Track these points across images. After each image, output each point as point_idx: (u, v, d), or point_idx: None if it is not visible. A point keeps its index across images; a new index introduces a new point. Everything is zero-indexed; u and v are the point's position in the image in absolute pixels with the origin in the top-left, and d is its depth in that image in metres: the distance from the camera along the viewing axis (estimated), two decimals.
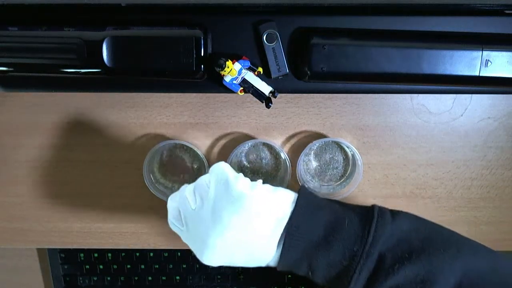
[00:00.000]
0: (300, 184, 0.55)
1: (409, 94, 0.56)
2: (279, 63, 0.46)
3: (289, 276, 0.64)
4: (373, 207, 0.40)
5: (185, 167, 0.58)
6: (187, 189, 0.42)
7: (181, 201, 0.42)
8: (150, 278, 0.65)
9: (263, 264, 0.41)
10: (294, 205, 0.39)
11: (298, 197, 0.40)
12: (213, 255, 0.40)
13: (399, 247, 0.37)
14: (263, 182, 0.42)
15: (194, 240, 0.41)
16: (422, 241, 0.38)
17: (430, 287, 0.36)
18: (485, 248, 0.40)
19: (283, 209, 0.39)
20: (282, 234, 0.39)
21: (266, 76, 0.47)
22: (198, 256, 0.41)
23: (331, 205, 0.41)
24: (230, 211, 0.38)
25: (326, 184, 0.58)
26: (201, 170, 0.58)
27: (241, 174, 0.41)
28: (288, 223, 0.39)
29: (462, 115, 0.57)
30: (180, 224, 0.42)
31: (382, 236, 0.37)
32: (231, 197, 0.38)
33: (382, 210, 0.40)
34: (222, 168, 0.40)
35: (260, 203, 0.39)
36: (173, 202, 0.43)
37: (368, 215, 0.39)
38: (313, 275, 0.39)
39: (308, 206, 0.40)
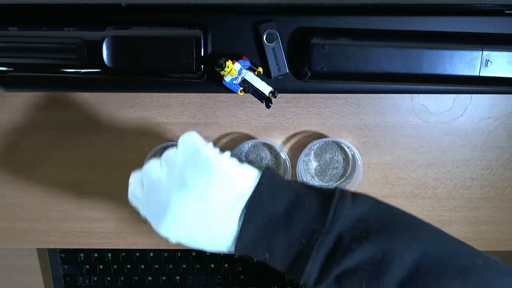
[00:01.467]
0: None
1: (409, 94, 0.56)
2: (279, 63, 0.46)
3: None
4: (335, 188, 0.40)
5: None
6: (152, 160, 0.41)
7: (146, 171, 0.40)
8: (150, 278, 0.65)
9: (220, 242, 0.39)
10: (257, 180, 0.39)
11: (262, 174, 0.39)
12: (172, 222, 0.38)
13: (358, 227, 0.37)
14: None
15: (153, 209, 0.39)
16: (382, 222, 0.38)
17: (386, 266, 0.36)
18: (445, 234, 0.40)
19: (246, 183, 0.39)
20: (242, 211, 0.38)
21: (266, 76, 0.47)
22: (156, 226, 0.39)
23: (294, 184, 0.41)
24: (195, 174, 0.38)
25: (326, 184, 0.58)
26: None
27: (210, 143, 0.40)
28: (250, 198, 0.38)
29: (462, 115, 0.57)
30: (141, 193, 0.40)
31: (341, 216, 0.37)
32: (198, 163, 0.38)
33: (343, 191, 0.40)
34: (191, 136, 0.40)
35: (225, 172, 0.38)
36: (136, 174, 0.42)
37: (329, 196, 0.39)
38: (271, 257, 0.38)
39: (271, 184, 0.39)
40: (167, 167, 0.40)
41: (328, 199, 0.38)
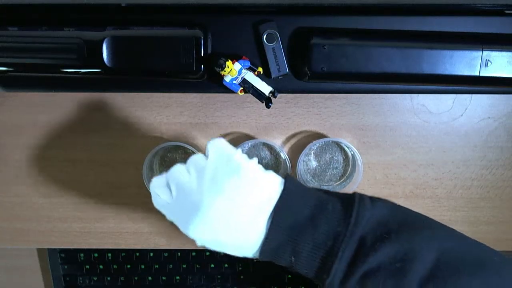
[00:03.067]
0: None
1: (409, 94, 0.56)
2: (279, 63, 0.46)
3: (289, 276, 0.64)
4: (354, 193, 0.42)
5: None
6: (177, 166, 0.42)
7: (172, 174, 0.41)
8: (150, 278, 0.65)
9: (246, 247, 0.40)
10: (283, 186, 0.40)
11: (286, 180, 0.41)
12: (202, 224, 0.39)
13: (378, 229, 0.39)
14: None
15: (182, 211, 0.40)
16: (400, 223, 0.40)
17: (409, 264, 0.38)
18: (459, 233, 0.42)
19: (273, 188, 0.40)
20: (269, 215, 0.39)
21: (266, 76, 0.47)
22: (185, 228, 0.40)
23: (315, 190, 0.43)
24: (227, 178, 0.39)
25: (326, 184, 0.58)
26: None
27: (239, 149, 0.42)
28: (277, 203, 0.39)
29: (462, 115, 0.57)
30: (168, 197, 0.41)
31: (363, 219, 0.39)
32: (229, 167, 0.40)
33: (362, 196, 0.42)
34: (221, 142, 0.41)
35: (254, 177, 0.40)
36: (159, 179, 0.43)
37: (350, 200, 0.41)
38: (297, 260, 0.40)
39: (296, 189, 0.41)
40: (196, 172, 0.41)
41: (349, 203, 0.40)
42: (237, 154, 0.41)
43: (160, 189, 0.42)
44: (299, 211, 0.40)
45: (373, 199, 0.42)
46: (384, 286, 0.38)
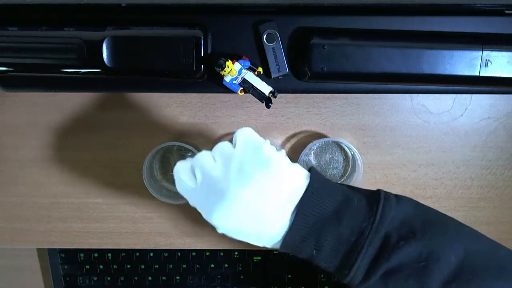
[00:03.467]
0: None
1: (409, 94, 0.56)
2: (279, 63, 0.46)
3: (289, 276, 0.64)
4: (379, 190, 0.42)
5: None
6: (202, 152, 0.41)
7: (197, 161, 0.41)
8: (150, 278, 0.65)
9: (267, 237, 0.40)
10: (308, 179, 0.40)
11: (312, 173, 0.41)
12: (226, 211, 0.39)
13: (403, 228, 0.39)
14: None
15: (207, 197, 0.40)
16: (424, 223, 0.40)
17: (432, 264, 0.38)
18: (481, 234, 0.42)
19: (299, 181, 0.40)
20: (294, 207, 0.39)
21: (266, 76, 0.47)
22: (208, 215, 0.39)
23: (340, 185, 0.43)
24: (255, 168, 0.39)
25: None
26: None
27: (268, 140, 0.41)
28: (303, 195, 0.39)
29: (462, 115, 0.57)
30: (193, 182, 0.41)
31: (388, 216, 0.39)
32: (258, 158, 0.39)
33: (387, 193, 0.42)
34: (250, 132, 0.41)
35: (283, 169, 0.40)
36: (184, 164, 0.42)
37: (375, 197, 0.41)
38: (318, 254, 0.39)
39: (322, 183, 0.41)
40: (223, 159, 0.40)
41: (374, 200, 0.40)
42: (267, 146, 0.40)
43: (184, 174, 0.41)
44: (324, 205, 0.39)
45: (398, 197, 0.42)
46: (406, 285, 0.38)
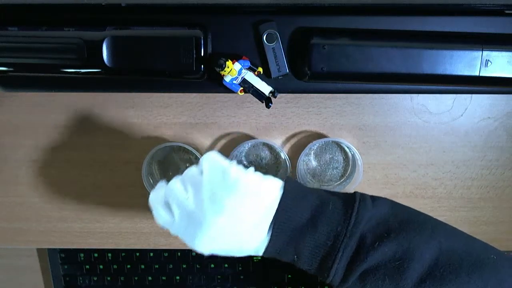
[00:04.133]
0: None
1: (409, 94, 0.56)
2: (279, 63, 0.46)
3: (289, 276, 0.64)
4: (354, 193, 0.42)
5: (184, 168, 0.58)
6: (173, 182, 0.42)
7: (170, 193, 0.42)
8: (150, 278, 0.65)
9: (250, 250, 0.41)
10: (282, 190, 0.41)
11: (285, 183, 0.41)
12: (207, 239, 0.40)
13: (378, 228, 0.40)
14: None
15: (186, 228, 0.41)
16: (400, 223, 0.40)
17: (407, 263, 0.38)
18: (459, 231, 0.42)
19: (273, 195, 0.41)
20: (272, 219, 0.40)
21: (266, 76, 0.47)
22: (190, 243, 0.41)
23: (316, 191, 0.43)
24: (226, 194, 0.40)
25: (326, 184, 0.58)
26: None
27: (234, 161, 0.42)
28: (277, 209, 0.40)
29: (462, 115, 0.57)
30: (170, 215, 0.42)
31: (363, 218, 0.40)
32: (227, 182, 0.40)
33: (363, 195, 0.42)
34: (214, 157, 0.42)
35: (253, 189, 0.40)
36: (156, 195, 0.43)
37: (350, 200, 0.41)
38: (299, 259, 0.41)
39: (296, 191, 0.41)
40: (193, 188, 0.41)
41: (349, 202, 0.41)
42: (233, 168, 0.41)
43: (160, 208, 0.42)
44: (300, 213, 0.40)
45: (374, 198, 0.42)
46: (383, 284, 0.39)
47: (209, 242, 0.40)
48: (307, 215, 0.40)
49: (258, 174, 0.42)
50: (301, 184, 0.43)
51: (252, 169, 0.42)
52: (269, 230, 0.40)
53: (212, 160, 0.41)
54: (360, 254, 0.39)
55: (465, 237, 0.42)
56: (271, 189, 0.41)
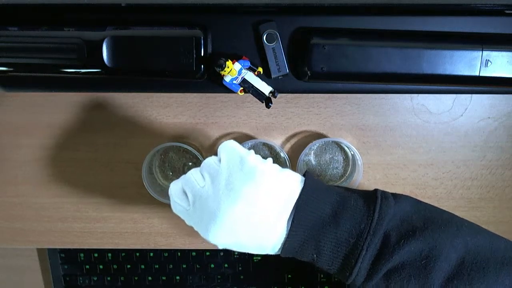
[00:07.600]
0: None
1: (409, 94, 0.56)
2: (279, 63, 0.46)
3: (289, 276, 0.64)
4: (376, 190, 0.41)
5: (184, 168, 0.58)
6: (192, 171, 0.41)
7: (187, 181, 0.41)
8: (150, 278, 0.65)
9: (268, 246, 0.40)
10: (302, 184, 0.40)
11: (306, 177, 0.40)
12: (221, 230, 0.39)
13: (402, 226, 0.39)
14: None
15: (201, 217, 0.40)
16: (424, 221, 0.39)
17: (433, 262, 0.37)
18: (484, 229, 0.41)
19: (292, 187, 0.40)
20: (290, 214, 0.39)
21: (266, 76, 0.47)
22: (204, 234, 0.40)
23: (335, 187, 0.42)
24: (243, 182, 0.38)
25: None
26: None
27: (252, 150, 0.41)
28: (298, 200, 0.39)
29: (462, 115, 0.57)
30: (186, 204, 0.41)
31: (386, 216, 0.38)
32: (244, 171, 0.39)
33: (384, 192, 0.41)
34: (232, 145, 0.41)
35: (271, 178, 0.39)
36: (176, 185, 0.42)
37: (372, 197, 0.40)
38: (319, 258, 0.39)
39: (316, 186, 0.40)
40: (210, 176, 0.40)
41: (371, 199, 0.40)
42: (251, 156, 0.40)
43: (177, 196, 0.42)
44: (320, 208, 0.39)
45: (396, 195, 0.41)
46: (408, 284, 0.38)
47: (224, 233, 0.39)
48: (328, 210, 0.39)
49: (276, 165, 0.41)
50: (320, 180, 0.42)
51: (270, 160, 0.41)
52: (287, 225, 0.39)
53: (230, 148, 0.40)
54: (385, 253, 0.38)
55: (490, 235, 0.41)
56: (290, 181, 0.40)
